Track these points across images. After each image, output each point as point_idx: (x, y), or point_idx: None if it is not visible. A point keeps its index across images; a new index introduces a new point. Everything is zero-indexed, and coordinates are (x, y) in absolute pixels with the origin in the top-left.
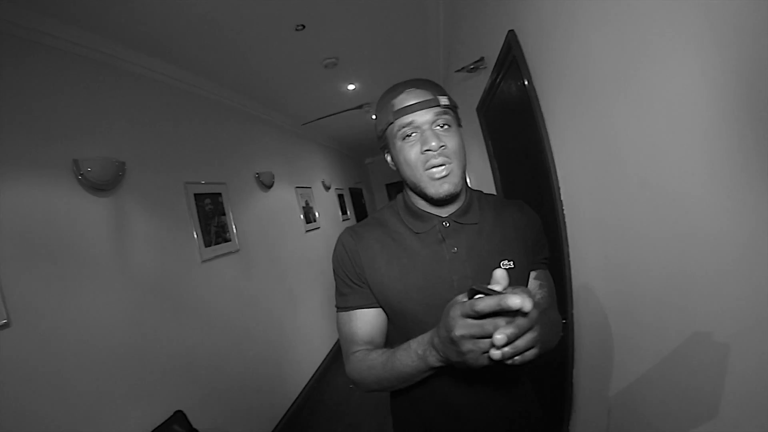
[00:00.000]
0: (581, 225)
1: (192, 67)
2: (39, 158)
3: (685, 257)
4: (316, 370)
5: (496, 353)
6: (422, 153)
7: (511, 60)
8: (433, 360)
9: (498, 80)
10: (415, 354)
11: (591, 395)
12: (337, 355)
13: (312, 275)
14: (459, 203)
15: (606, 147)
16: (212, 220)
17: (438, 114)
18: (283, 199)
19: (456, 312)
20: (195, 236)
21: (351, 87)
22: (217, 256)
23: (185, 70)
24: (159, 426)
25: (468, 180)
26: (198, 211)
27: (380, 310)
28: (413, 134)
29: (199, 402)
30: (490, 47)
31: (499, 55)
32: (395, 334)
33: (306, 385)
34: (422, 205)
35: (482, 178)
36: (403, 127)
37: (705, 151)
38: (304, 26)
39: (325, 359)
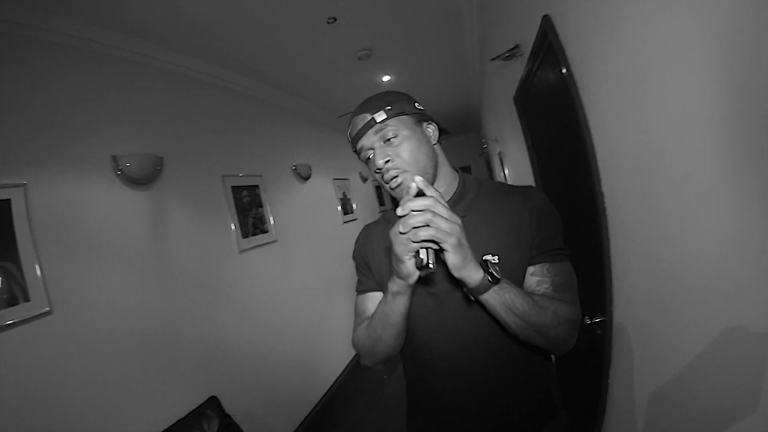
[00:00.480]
0: (622, 219)
1: (228, 64)
2: (79, 155)
3: (733, 254)
4: (351, 361)
5: (398, 210)
6: (376, 172)
7: (547, 47)
8: (391, 284)
9: (534, 68)
10: (386, 293)
11: (627, 397)
12: None
13: (349, 266)
14: (447, 197)
15: (649, 137)
16: (249, 212)
17: (378, 131)
18: (321, 190)
19: (392, 231)
20: (232, 227)
21: (386, 78)
22: (254, 247)
23: (221, 67)
24: (193, 410)
25: (505, 172)
26: (235, 203)
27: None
28: (369, 155)
29: (232, 389)
30: (524, 34)
31: (535, 41)
32: None
33: (339, 376)
34: None
35: (520, 170)
36: (359, 152)
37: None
38: (335, 18)
39: None
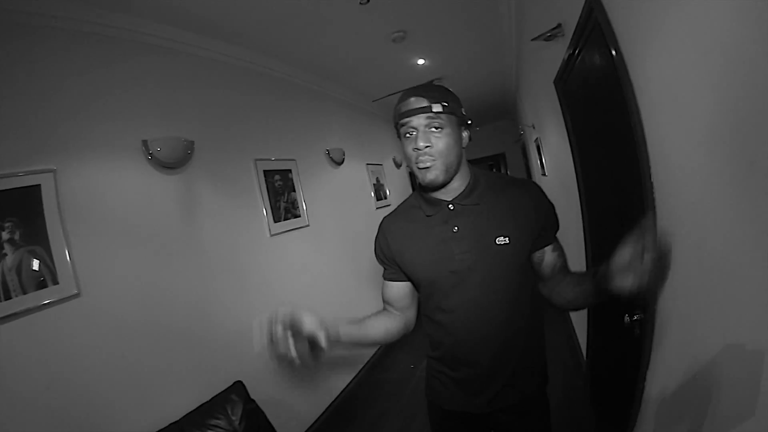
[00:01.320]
0: (675, 211)
1: (259, 48)
2: (109, 140)
3: None
4: (377, 350)
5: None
6: (413, 150)
7: (593, 26)
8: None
9: (578, 49)
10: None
11: (664, 401)
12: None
13: None
14: (461, 188)
15: (710, 122)
16: (282, 196)
17: (430, 119)
18: (354, 175)
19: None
20: (264, 211)
21: (421, 62)
22: (286, 231)
23: (252, 51)
24: (218, 394)
25: (543, 160)
26: (267, 187)
27: (406, 282)
28: (411, 133)
29: (258, 374)
30: (568, 12)
31: (579, 20)
32: (422, 297)
33: (367, 363)
34: (432, 192)
35: (559, 157)
36: (403, 126)
37: None
38: (368, 0)
39: None
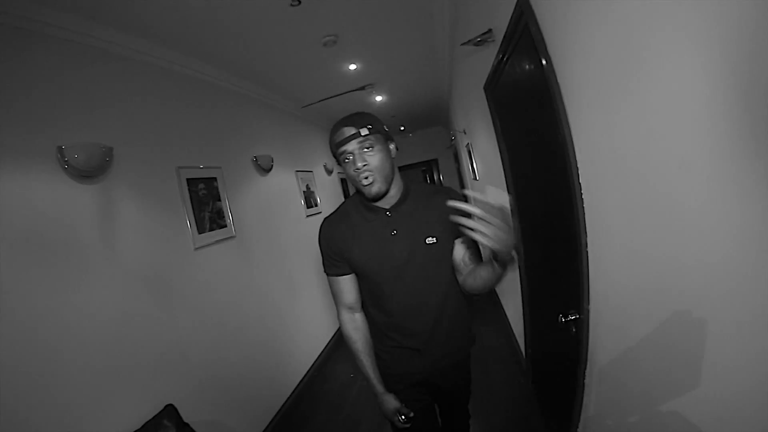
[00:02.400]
0: (603, 212)
1: (183, 48)
2: (20, 146)
3: (730, 250)
4: (316, 359)
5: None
6: (354, 171)
7: (522, 31)
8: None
9: (507, 55)
10: (374, 387)
11: (604, 399)
12: (338, 344)
13: (313, 261)
14: (396, 197)
15: (637, 128)
16: (206, 206)
17: (360, 142)
18: (283, 183)
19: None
20: (188, 223)
21: (352, 67)
22: (211, 243)
23: (176, 51)
24: (148, 421)
25: (474, 164)
26: (191, 197)
27: (351, 276)
28: (349, 158)
29: (191, 395)
30: (498, 18)
31: (509, 25)
32: (365, 287)
33: (305, 375)
34: (374, 202)
35: (489, 161)
36: (341, 154)
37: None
38: (299, 1)
39: (325, 348)
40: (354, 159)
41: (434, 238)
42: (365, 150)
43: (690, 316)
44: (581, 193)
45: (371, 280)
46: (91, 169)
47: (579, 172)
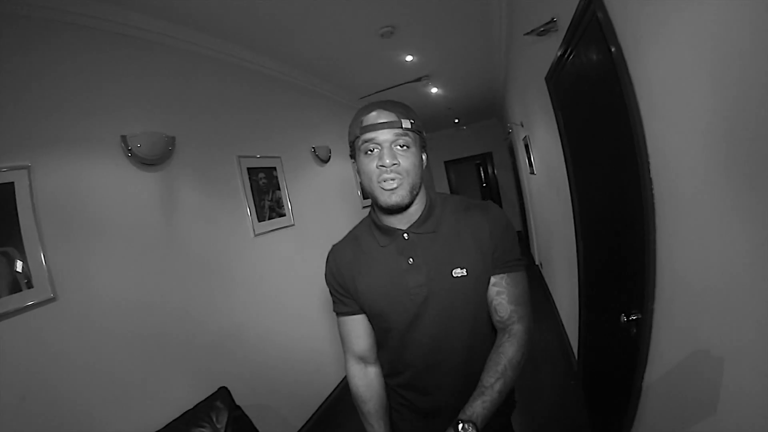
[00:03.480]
0: (674, 209)
1: (243, 41)
2: (86, 136)
3: None
4: None
5: None
6: (377, 167)
7: (590, 21)
8: None
9: (573, 45)
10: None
11: (662, 406)
12: None
13: None
14: (417, 213)
15: (715, 119)
16: (266, 195)
17: (398, 135)
18: (340, 174)
19: None
20: (248, 210)
21: (409, 58)
22: (270, 231)
23: (237, 45)
24: (202, 401)
25: (532, 158)
26: (251, 185)
27: (363, 315)
28: (374, 150)
29: (244, 379)
30: (562, 6)
31: (574, 15)
32: (376, 332)
33: None
34: (384, 218)
35: (549, 155)
36: (366, 142)
37: None
38: None
39: None
40: (382, 153)
41: (464, 270)
42: (399, 147)
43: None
44: (652, 189)
45: (381, 324)
46: (153, 157)
47: (650, 166)
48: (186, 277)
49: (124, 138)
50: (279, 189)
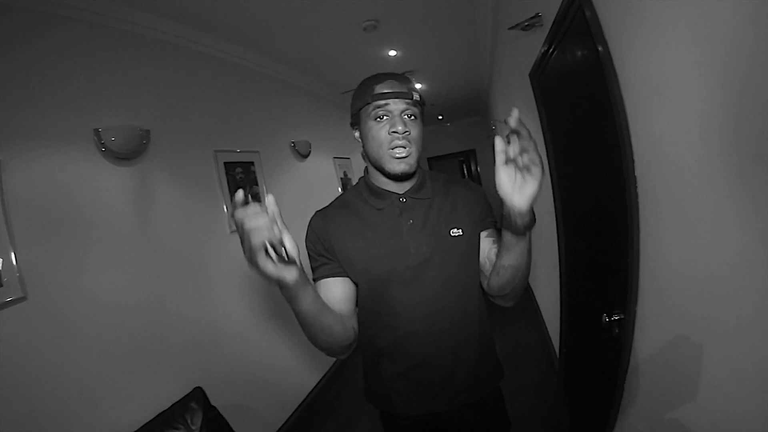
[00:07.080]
0: (659, 208)
1: (222, 33)
2: (57, 129)
3: None
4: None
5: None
6: (389, 134)
7: (575, 15)
8: (283, 293)
9: (556, 41)
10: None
11: (644, 406)
12: None
13: None
14: (413, 181)
15: (706, 117)
16: (243, 190)
17: (409, 105)
18: (320, 169)
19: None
20: (224, 206)
21: (392, 53)
22: None
23: (214, 36)
24: (176, 402)
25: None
26: (228, 180)
27: (346, 279)
28: (384, 117)
29: (220, 379)
30: (546, 1)
31: (559, 10)
32: (365, 298)
33: (334, 363)
34: (382, 183)
35: None
36: (377, 108)
37: None
38: None
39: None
40: (394, 120)
41: (460, 230)
42: (408, 117)
43: (754, 324)
44: (636, 187)
45: (376, 287)
46: (127, 152)
47: (635, 164)
48: (161, 274)
49: (97, 131)
50: (257, 184)
